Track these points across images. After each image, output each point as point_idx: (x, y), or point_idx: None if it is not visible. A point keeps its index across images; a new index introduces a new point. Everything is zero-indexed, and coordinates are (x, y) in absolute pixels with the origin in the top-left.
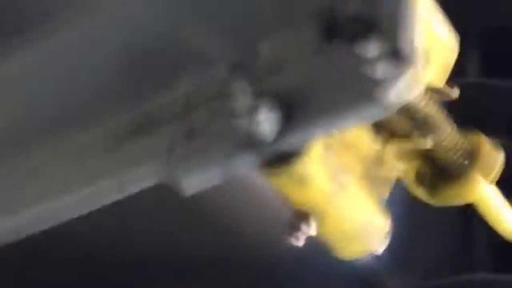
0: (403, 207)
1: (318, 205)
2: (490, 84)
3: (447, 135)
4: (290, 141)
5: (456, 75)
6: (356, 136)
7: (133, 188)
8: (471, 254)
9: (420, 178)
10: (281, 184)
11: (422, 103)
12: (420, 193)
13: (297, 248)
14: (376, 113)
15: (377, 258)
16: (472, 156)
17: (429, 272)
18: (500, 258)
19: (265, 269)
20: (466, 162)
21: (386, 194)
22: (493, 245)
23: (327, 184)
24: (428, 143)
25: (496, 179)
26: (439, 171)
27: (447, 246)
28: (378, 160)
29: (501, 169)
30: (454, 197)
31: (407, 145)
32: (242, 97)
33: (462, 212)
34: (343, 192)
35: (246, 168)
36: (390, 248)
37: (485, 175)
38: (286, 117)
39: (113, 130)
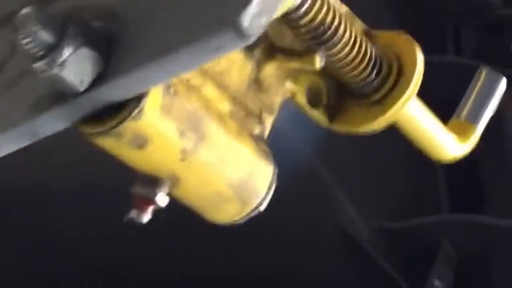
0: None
1: (168, 169)
2: None
3: (346, 45)
4: (114, 90)
5: None
6: (219, 62)
7: None
8: (433, 195)
9: (315, 98)
10: (112, 147)
11: (309, 7)
12: (317, 115)
13: None
14: (230, 44)
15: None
16: (387, 64)
17: (391, 214)
18: (461, 198)
19: None
20: (376, 75)
21: (268, 126)
22: (454, 185)
23: (176, 140)
24: (318, 61)
25: (418, 88)
26: (340, 87)
27: (406, 187)
28: (255, 86)
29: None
30: (366, 119)
31: (293, 64)
32: (34, 29)
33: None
34: (203, 144)
35: (56, 126)
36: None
37: (405, 88)
38: (106, 58)
39: None
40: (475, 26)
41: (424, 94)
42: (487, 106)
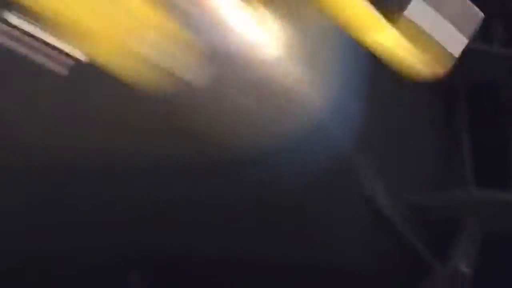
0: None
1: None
2: None
3: None
4: None
5: None
6: None
7: None
8: (459, 172)
9: None
10: None
11: None
12: None
13: None
14: None
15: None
16: None
17: (417, 189)
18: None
19: None
20: None
21: None
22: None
23: None
24: None
25: None
26: None
27: (432, 163)
28: None
29: None
30: None
31: None
32: None
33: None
34: None
35: None
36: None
37: None
38: None
39: None
40: (504, 16)
41: (454, 80)
42: None
